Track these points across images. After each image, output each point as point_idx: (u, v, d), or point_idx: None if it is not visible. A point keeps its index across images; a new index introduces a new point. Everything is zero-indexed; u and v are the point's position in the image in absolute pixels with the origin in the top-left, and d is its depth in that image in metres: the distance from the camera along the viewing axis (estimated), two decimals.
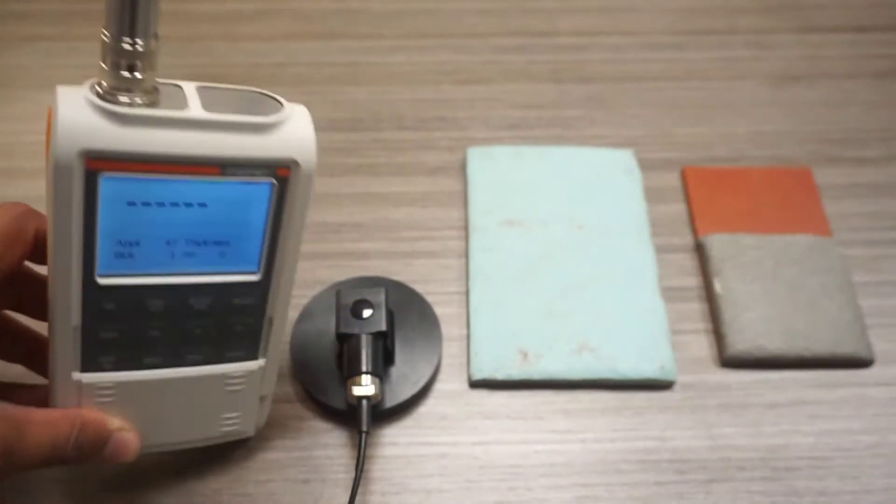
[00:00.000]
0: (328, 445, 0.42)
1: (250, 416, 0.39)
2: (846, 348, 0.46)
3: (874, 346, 0.47)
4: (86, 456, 0.34)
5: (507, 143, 0.56)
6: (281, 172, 0.31)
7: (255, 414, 0.39)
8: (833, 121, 0.58)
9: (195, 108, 0.29)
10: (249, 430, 0.40)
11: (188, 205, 0.31)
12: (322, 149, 0.55)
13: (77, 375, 0.33)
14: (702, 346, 0.47)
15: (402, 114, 0.58)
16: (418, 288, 0.48)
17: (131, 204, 0.30)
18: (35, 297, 0.36)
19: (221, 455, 0.42)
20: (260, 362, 0.37)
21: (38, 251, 0.35)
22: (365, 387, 0.40)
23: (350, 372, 0.41)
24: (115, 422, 0.35)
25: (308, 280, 0.49)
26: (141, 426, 0.35)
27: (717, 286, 0.48)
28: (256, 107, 0.31)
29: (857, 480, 0.42)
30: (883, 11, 0.66)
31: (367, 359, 0.41)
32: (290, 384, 0.45)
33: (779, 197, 0.53)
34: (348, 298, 0.42)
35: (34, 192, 0.52)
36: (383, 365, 0.42)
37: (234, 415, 0.38)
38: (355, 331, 0.41)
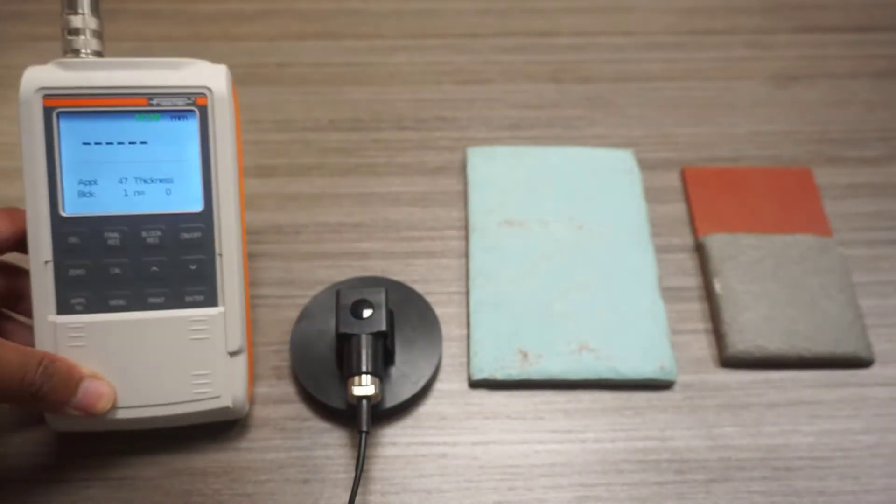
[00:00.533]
0: (328, 445, 0.42)
1: (221, 377, 0.39)
2: (846, 348, 0.46)
3: (874, 346, 0.47)
4: (57, 393, 0.36)
5: (507, 143, 0.56)
6: (199, 101, 0.39)
7: (226, 375, 0.39)
8: (833, 121, 0.58)
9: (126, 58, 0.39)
10: (225, 398, 0.39)
11: (132, 143, 0.39)
12: (322, 149, 0.55)
13: (52, 318, 0.38)
14: (702, 346, 0.47)
15: (402, 114, 0.58)
16: (418, 288, 0.48)
17: (86, 144, 0.38)
18: (22, 290, 0.40)
19: (221, 454, 0.42)
20: (220, 309, 0.39)
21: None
22: (365, 387, 0.40)
23: (350, 372, 0.41)
24: (87, 369, 0.38)
25: (308, 280, 0.49)
26: (112, 381, 0.38)
27: (717, 286, 0.48)
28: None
29: (856, 480, 0.42)
30: (883, 11, 0.66)
31: (367, 359, 0.41)
32: (290, 384, 0.45)
33: (779, 197, 0.53)
34: (348, 298, 0.42)
35: None
36: (383, 365, 0.42)
37: (204, 372, 0.39)
38: (355, 331, 0.41)
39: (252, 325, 0.43)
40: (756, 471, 0.42)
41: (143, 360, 0.39)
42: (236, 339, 0.40)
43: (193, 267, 0.39)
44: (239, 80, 0.59)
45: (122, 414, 0.39)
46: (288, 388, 0.44)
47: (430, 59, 0.61)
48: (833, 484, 0.42)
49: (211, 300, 0.39)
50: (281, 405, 0.44)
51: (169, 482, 0.41)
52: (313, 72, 0.60)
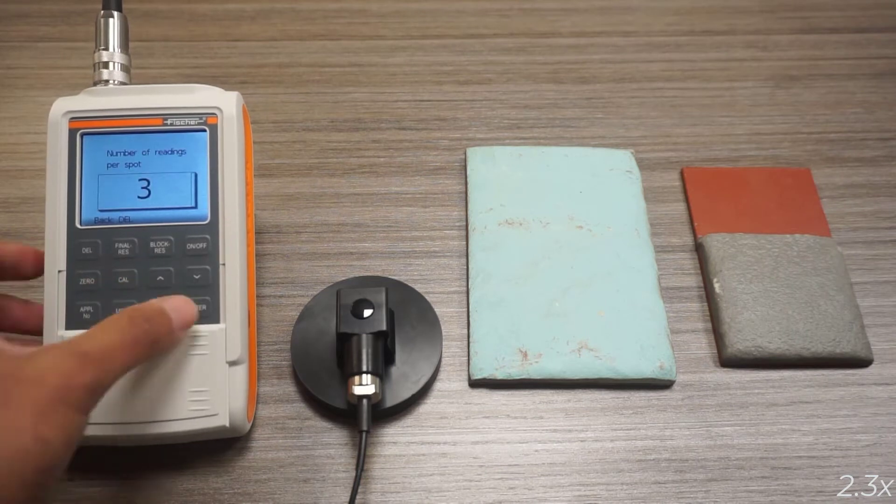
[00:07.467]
0: (328, 444, 0.43)
1: (219, 395, 0.39)
2: (845, 348, 0.46)
3: (873, 345, 0.47)
4: (164, 325, 0.36)
5: (507, 143, 0.56)
6: (210, 121, 0.41)
7: (225, 392, 0.39)
8: (832, 121, 0.58)
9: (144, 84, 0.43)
10: (222, 416, 0.39)
11: (147, 160, 0.41)
12: (322, 149, 0.55)
13: (61, 332, 0.39)
14: (701, 345, 0.47)
15: (402, 114, 0.58)
16: (418, 287, 0.48)
17: (105, 161, 0.41)
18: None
19: (222, 454, 0.42)
20: (221, 325, 0.40)
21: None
22: (365, 386, 0.40)
23: (350, 371, 0.41)
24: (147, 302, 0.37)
25: (308, 280, 0.49)
26: (114, 398, 0.38)
27: (717, 286, 0.48)
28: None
29: (855, 480, 0.42)
30: (882, 12, 0.66)
31: (368, 358, 0.41)
32: (290, 383, 0.45)
33: (778, 197, 0.53)
34: (349, 298, 0.42)
35: (37, 192, 0.53)
36: (383, 364, 0.42)
37: (202, 389, 0.39)
38: (356, 330, 0.41)
39: (255, 342, 0.43)
40: (755, 470, 0.42)
41: (143, 375, 0.39)
42: (236, 348, 0.40)
43: (197, 276, 0.40)
44: (239, 80, 0.59)
45: (118, 431, 0.38)
46: (289, 388, 0.45)
47: (431, 60, 0.61)
48: (831, 483, 0.42)
49: (213, 313, 0.40)
50: (282, 404, 0.44)
51: (169, 481, 0.41)
52: (313, 72, 0.60)
